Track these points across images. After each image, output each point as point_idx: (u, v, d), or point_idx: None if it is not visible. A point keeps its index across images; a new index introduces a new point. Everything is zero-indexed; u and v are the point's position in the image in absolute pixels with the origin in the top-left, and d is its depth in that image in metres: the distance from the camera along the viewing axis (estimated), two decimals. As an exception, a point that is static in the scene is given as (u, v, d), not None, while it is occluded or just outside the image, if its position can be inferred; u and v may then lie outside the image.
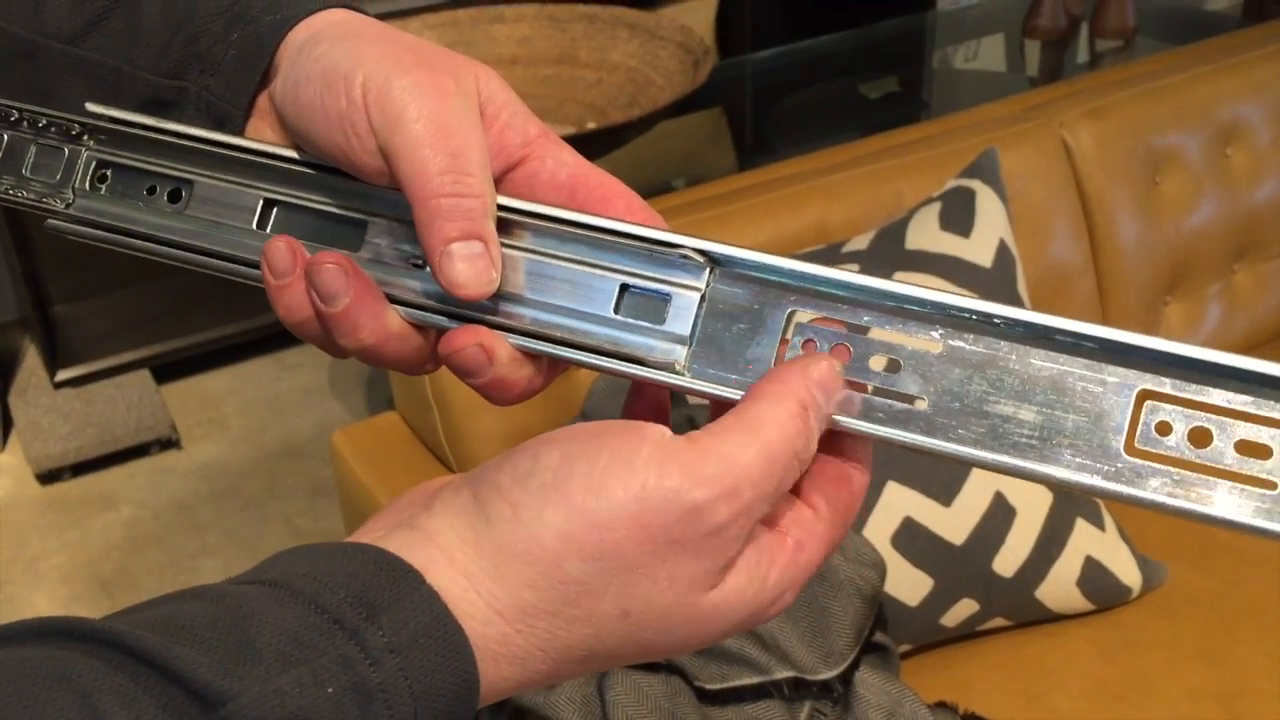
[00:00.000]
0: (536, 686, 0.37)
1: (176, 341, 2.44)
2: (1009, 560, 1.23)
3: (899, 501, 1.20)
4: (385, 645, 0.32)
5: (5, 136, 0.48)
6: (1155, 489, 0.36)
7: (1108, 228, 1.60)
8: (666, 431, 0.36)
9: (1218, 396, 0.36)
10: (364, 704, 0.31)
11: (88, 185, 0.47)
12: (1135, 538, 1.32)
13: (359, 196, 0.44)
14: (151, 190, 0.46)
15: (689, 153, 2.22)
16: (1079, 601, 1.27)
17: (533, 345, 0.42)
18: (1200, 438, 0.36)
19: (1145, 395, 0.37)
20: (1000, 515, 1.22)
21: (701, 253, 0.40)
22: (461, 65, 0.41)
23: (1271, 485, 0.36)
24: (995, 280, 1.32)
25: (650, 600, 0.35)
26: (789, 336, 0.40)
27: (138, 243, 0.47)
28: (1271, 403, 0.36)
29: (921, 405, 0.38)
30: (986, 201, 1.36)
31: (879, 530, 1.19)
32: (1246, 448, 0.36)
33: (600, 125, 1.62)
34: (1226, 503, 0.36)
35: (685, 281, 0.41)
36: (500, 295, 0.42)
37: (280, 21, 0.44)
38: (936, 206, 1.35)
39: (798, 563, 0.38)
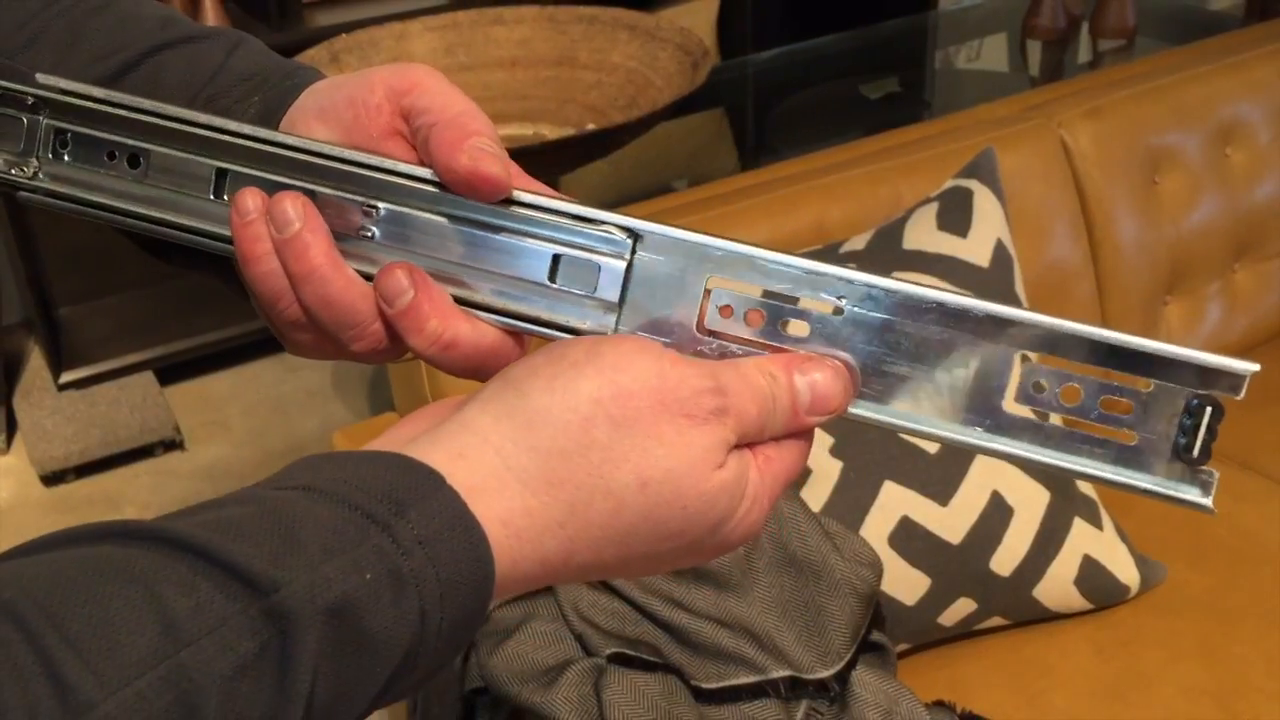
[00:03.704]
0: (549, 575, 0.40)
1: (180, 343, 2.44)
2: (1006, 559, 1.23)
3: (896, 501, 1.20)
4: (415, 537, 0.36)
5: None
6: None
7: (1107, 228, 1.60)
8: None
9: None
10: (398, 588, 0.35)
11: (50, 154, 0.49)
12: (1134, 537, 1.32)
13: (305, 170, 0.46)
14: (111, 156, 0.48)
15: (691, 153, 2.22)
16: (1077, 600, 1.28)
17: (482, 316, 0.45)
18: (1071, 395, 0.41)
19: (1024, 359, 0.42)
20: (998, 514, 1.22)
21: (623, 228, 0.44)
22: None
23: (1130, 438, 0.40)
24: (992, 280, 1.32)
25: (667, 469, 0.39)
26: (706, 301, 0.44)
27: (104, 214, 0.49)
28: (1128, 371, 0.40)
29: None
30: (984, 201, 1.36)
31: (876, 529, 1.19)
32: (1111, 405, 0.41)
33: (600, 127, 1.62)
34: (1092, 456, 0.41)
35: (612, 252, 0.44)
36: (446, 265, 0.45)
37: (294, 87, 0.50)
38: (934, 206, 1.36)
39: (766, 473, 0.43)
